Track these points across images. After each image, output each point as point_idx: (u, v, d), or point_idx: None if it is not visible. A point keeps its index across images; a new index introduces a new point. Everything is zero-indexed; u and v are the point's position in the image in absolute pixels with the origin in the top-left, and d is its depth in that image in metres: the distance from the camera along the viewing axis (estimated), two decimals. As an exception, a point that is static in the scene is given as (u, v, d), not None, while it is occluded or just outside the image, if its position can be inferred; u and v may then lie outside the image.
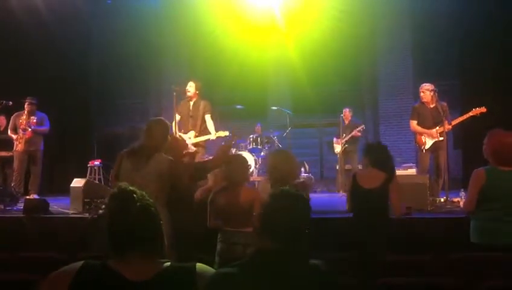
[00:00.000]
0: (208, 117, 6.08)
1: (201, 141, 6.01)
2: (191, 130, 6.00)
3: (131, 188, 1.63)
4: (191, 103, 6.06)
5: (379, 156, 3.75)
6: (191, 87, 6.05)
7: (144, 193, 1.64)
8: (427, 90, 5.82)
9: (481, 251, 3.08)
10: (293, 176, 3.56)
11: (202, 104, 6.04)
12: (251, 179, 6.97)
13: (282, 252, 1.57)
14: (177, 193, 3.40)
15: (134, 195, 1.60)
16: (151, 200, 1.64)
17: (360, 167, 8.16)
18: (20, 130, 6.85)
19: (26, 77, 8.41)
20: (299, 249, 1.61)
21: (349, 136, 7.93)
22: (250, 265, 1.58)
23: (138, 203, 1.59)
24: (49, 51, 8.92)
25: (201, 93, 6.17)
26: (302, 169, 8.59)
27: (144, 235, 1.58)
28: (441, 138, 5.76)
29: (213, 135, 5.99)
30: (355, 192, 3.71)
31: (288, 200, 1.66)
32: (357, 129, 7.98)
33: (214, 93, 10.42)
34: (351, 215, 3.84)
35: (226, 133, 6.19)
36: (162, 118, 3.54)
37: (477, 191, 3.25)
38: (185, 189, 3.81)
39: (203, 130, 6.04)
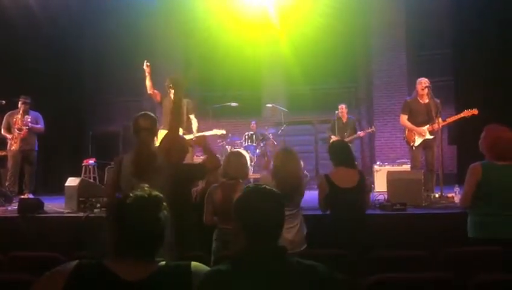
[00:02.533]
0: (192, 116, 6.05)
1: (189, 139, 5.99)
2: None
3: (160, 194, 1.63)
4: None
5: (345, 154, 3.81)
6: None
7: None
8: (423, 84, 5.81)
9: (478, 246, 3.08)
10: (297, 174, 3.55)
11: (185, 102, 5.97)
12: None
13: (261, 249, 1.57)
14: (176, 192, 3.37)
15: (164, 203, 1.62)
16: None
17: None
18: (16, 130, 6.79)
19: (19, 76, 8.34)
20: (274, 246, 1.60)
21: (355, 136, 7.93)
22: (242, 262, 1.57)
23: (165, 211, 1.60)
24: (42, 50, 8.87)
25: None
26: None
27: (157, 241, 1.59)
28: (431, 136, 5.77)
29: (193, 135, 5.90)
30: (334, 193, 3.68)
31: (258, 199, 1.63)
32: (368, 130, 8.12)
33: (208, 91, 10.44)
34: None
35: (223, 131, 6.16)
36: (147, 112, 3.43)
37: (473, 185, 3.25)
38: (182, 188, 3.79)
39: (187, 128, 6.00)
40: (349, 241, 3.32)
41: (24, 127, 6.79)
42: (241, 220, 1.62)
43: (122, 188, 3.17)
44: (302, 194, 3.56)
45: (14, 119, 6.84)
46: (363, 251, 2.98)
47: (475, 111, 5.55)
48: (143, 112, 3.34)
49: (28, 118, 6.85)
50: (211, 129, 6.22)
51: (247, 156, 8.04)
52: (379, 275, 2.29)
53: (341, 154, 3.83)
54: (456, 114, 5.82)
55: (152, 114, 3.33)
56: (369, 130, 8.18)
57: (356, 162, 4.00)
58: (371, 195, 5.62)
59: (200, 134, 5.92)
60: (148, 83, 6.01)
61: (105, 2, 9.64)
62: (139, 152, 3.18)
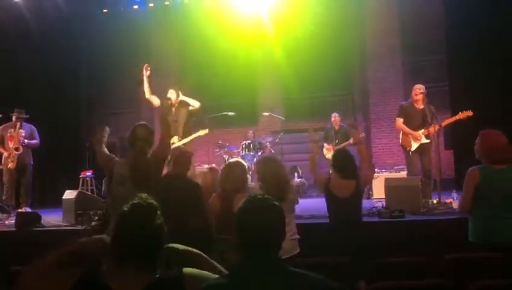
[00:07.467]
0: (193, 102, 6.13)
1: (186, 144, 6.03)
2: (174, 135, 6.01)
3: (155, 203, 1.63)
4: (173, 109, 6.07)
5: (345, 165, 3.81)
6: (172, 95, 6.05)
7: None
8: (418, 90, 5.84)
9: (478, 250, 3.09)
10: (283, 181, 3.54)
11: (183, 110, 6.08)
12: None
13: (260, 261, 1.57)
14: None
15: (158, 211, 1.61)
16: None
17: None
18: (13, 150, 6.70)
19: (15, 88, 8.33)
20: (273, 257, 1.60)
21: (346, 143, 7.90)
22: (241, 274, 1.58)
23: (159, 221, 1.59)
24: (37, 62, 8.86)
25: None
26: (296, 174, 8.59)
27: (156, 250, 1.59)
28: (427, 141, 5.77)
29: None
30: (330, 200, 3.78)
31: (260, 210, 1.63)
32: (358, 137, 8.08)
33: (204, 100, 10.34)
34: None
35: (206, 131, 6.31)
36: (145, 123, 3.48)
37: (471, 189, 3.27)
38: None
39: (184, 134, 6.07)
40: (345, 248, 3.33)
41: (21, 146, 6.72)
42: (241, 231, 1.62)
43: (112, 194, 3.18)
44: (293, 200, 3.57)
45: (9, 134, 6.76)
46: (360, 258, 2.98)
47: (470, 113, 5.56)
48: (141, 122, 3.38)
49: (22, 133, 6.77)
50: (196, 131, 6.28)
51: (245, 165, 8.05)
52: (378, 283, 2.28)
53: (341, 164, 3.84)
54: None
55: (149, 125, 3.37)
56: (360, 137, 8.21)
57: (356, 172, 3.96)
58: (370, 202, 5.66)
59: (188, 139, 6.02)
60: (146, 87, 6.01)
61: (101, 13, 9.68)
62: (136, 163, 3.19)
